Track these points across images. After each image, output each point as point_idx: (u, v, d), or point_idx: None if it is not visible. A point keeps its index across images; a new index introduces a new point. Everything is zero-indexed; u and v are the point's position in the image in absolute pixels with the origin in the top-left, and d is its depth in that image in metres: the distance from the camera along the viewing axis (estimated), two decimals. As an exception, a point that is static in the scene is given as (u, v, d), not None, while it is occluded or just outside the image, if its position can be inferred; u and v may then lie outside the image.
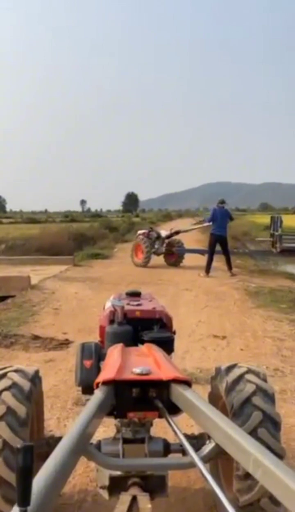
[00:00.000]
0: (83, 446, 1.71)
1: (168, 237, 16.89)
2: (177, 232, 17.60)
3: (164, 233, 17.14)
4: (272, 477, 1.28)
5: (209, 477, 1.46)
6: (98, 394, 2.06)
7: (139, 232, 17.92)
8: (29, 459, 0.75)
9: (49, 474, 1.24)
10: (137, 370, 2.21)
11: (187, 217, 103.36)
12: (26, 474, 0.75)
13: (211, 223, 14.89)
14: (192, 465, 1.71)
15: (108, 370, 2.30)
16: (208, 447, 1.92)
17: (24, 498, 0.75)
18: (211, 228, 14.86)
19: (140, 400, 2.17)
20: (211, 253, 14.63)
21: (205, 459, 1.85)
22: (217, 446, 1.78)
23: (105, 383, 2.14)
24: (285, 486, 1.21)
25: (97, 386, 2.17)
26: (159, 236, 16.68)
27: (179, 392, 2.09)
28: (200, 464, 1.58)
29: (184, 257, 16.79)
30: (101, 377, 2.21)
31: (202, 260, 15.53)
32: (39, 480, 1.18)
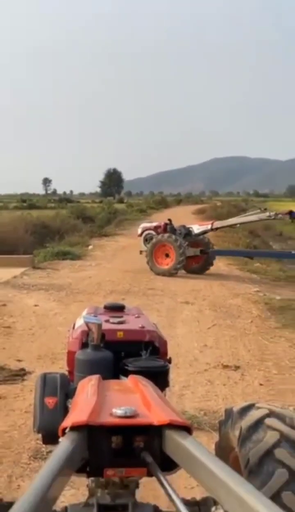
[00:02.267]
0: None
1: (202, 233, 16.55)
2: (216, 228, 17.18)
3: (197, 228, 16.70)
4: None
5: None
6: (65, 443, 2.05)
7: (146, 225, 17.58)
8: None
9: None
10: (118, 411, 2.21)
11: (188, 203, 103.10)
12: None
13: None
14: None
15: (79, 411, 2.29)
16: None
17: None
18: None
19: (122, 452, 2.17)
20: None
21: None
22: None
23: (74, 428, 2.14)
24: None
25: (63, 433, 2.16)
26: (189, 233, 16.27)
27: (175, 441, 2.09)
28: None
29: (213, 263, 16.44)
30: (69, 420, 2.20)
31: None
32: None
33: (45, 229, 29.60)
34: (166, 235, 15.89)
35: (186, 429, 2.18)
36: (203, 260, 16.10)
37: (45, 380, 3.13)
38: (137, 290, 12.78)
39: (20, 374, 6.96)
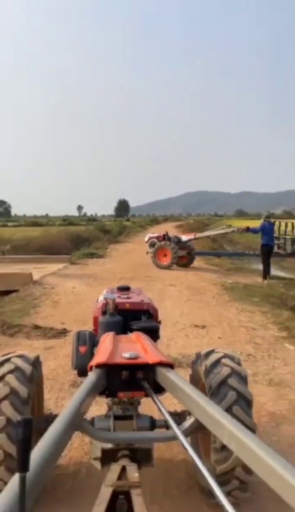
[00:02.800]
0: (78, 422, 1.70)
1: (188, 241, 16.39)
2: (197, 238, 17.37)
3: (184, 238, 16.64)
4: (244, 449, 1.29)
5: (189, 448, 1.46)
6: (92, 376, 2.05)
7: (150, 235, 17.42)
8: (28, 431, 0.75)
9: (46, 446, 1.23)
10: (126, 355, 2.21)
11: (171, 221, 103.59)
12: (25, 444, 0.75)
13: (258, 233, 14.46)
14: (174, 438, 1.71)
15: (101, 355, 2.29)
16: (188, 422, 1.92)
17: (23, 465, 0.75)
18: (263, 240, 14.13)
19: (129, 381, 2.17)
20: (268, 258, 14.08)
21: (186, 433, 1.85)
22: (196, 421, 1.78)
23: (98, 366, 2.14)
24: (256, 457, 1.22)
25: (90, 369, 2.16)
26: (179, 240, 16.21)
27: (163, 374, 2.09)
28: (181, 437, 1.57)
29: (194, 261, 16.42)
30: (94, 361, 2.21)
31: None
32: (37, 451, 1.18)
33: (79, 238, 29.55)
34: (164, 242, 15.93)
35: (170, 366, 2.18)
36: (188, 258, 16.10)
37: (79, 335, 3.13)
38: (139, 277, 12.79)
39: (63, 332, 6.97)
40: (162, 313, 4.03)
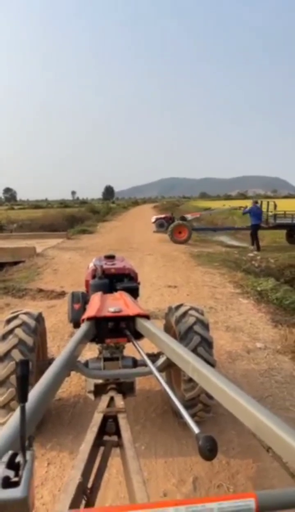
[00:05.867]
0: (73, 363, 1.71)
1: (193, 220, 15.51)
2: (198, 217, 16.49)
3: (190, 217, 15.69)
4: (205, 379, 1.31)
5: (161, 381, 1.48)
6: (84, 326, 2.06)
7: (157, 216, 16.47)
8: (25, 369, 0.75)
9: (45, 382, 1.24)
10: (112, 309, 2.21)
11: (149, 203, 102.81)
12: (23, 380, 0.75)
13: (247, 214, 14.18)
14: (150, 373, 1.74)
15: (91, 310, 2.29)
16: (161, 360, 1.95)
17: (23, 397, 0.75)
18: (252, 220, 13.84)
19: (114, 330, 2.18)
20: (255, 235, 13.95)
21: (159, 369, 1.88)
22: (168, 359, 1.81)
23: (88, 319, 2.14)
24: (213, 383, 1.25)
25: (83, 321, 2.16)
26: (184, 219, 15.37)
27: (141, 324, 2.11)
28: (155, 372, 1.60)
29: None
30: (85, 315, 2.21)
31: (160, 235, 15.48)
32: (38, 386, 1.18)
33: (73, 218, 29.14)
34: (180, 221, 14.84)
35: (147, 317, 2.19)
36: (187, 235, 14.71)
37: (73, 295, 3.12)
38: (123, 249, 12.68)
39: (62, 294, 6.93)
40: (141, 276, 4.03)
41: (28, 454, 0.75)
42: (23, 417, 0.75)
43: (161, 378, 1.51)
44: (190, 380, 2.61)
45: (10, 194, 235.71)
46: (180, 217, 15.87)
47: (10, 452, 0.76)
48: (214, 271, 9.24)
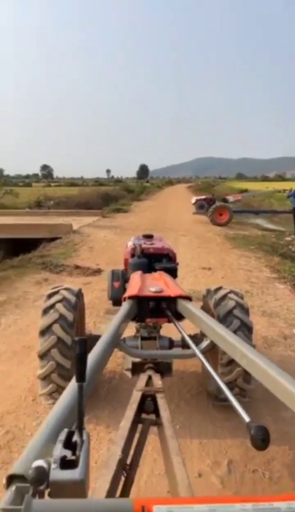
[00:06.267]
0: (116, 341, 1.70)
1: (235, 202, 15.00)
2: (239, 199, 16.01)
3: (231, 198, 15.22)
4: (253, 364, 1.26)
5: (206, 364, 1.45)
6: (125, 305, 2.05)
7: (197, 198, 16.01)
8: (83, 348, 0.73)
9: (94, 359, 1.23)
10: (153, 289, 2.19)
11: (183, 183, 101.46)
12: (82, 359, 0.72)
13: (291, 197, 13.81)
14: (194, 355, 1.71)
15: (132, 289, 2.27)
16: (205, 343, 1.91)
17: (81, 376, 0.73)
18: (292, 204, 13.55)
19: (155, 310, 2.16)
20: None
21: (203, 351, 1.85)
22: (212, 342, 1.77)
23: (130, 297, 2.12)
24: (261, 369, 1.20)
25: (124, 300, 2.15)
26: (226, 201, 14.99)
27: (183, 305, 2.07)
28: (199, 355, 1.57)
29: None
30: (127, 293, 2.19)
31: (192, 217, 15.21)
32: (88, 364, 1.18)
33: (108, 196, 29.26)
34: (221, 203, 14.40)
35: (188, 298, 2.15)
36: (228, 217, 14.26)
37: (113, 273, 3.12)
38: (157, 228, 12.56)
39: (97, 271, 7.03)
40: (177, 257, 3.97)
41: (84, 434, 0.74)
42: (81, 396, 0.73)
43: (205, 361, 1.48)
44: (228, 363, 2.57)
45: (47, 171, 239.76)
46: (221, 198, 15.39)
47: (66, 430, 0.74)
48: (249, 255, 9.03)
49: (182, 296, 2.13)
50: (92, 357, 1.27)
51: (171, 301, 2.15)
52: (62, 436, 0.72)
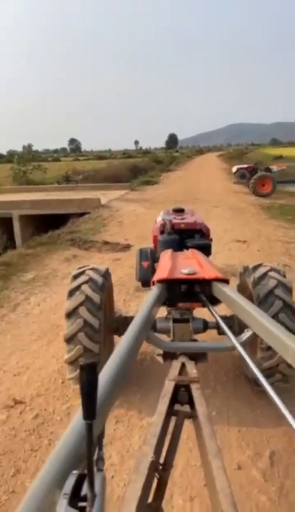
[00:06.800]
0: (146, 331, 1.54)
1: (279, 171, 14.26)
2: (284, 169, 15.12)
3: (275, 168, 14.48)
4: None
5: (248, 360, 1.27)
6: (155, 289, 1.86)
7: (239, 166, 15.31)
8: (93, 376, 0.53)
9: (123, 349, 1.13)
10: (185, 271, 1.98)
11: (214, 151, 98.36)
12: (91, 391, 0.53)
13: None
14: (233, 348, 1.51)
15: (162, 271, 2.08)
16: (246, 335, 1.70)
17: (89, 412, 0.54)
18: None
19: (187, 293, 1.97)
20: None
21: (243, 345, 1.65)
22: (254, 334, 1.57)
23: (160, 281, 1.93)
24: None
25: (153, 283, 1.96)
26: (269, 170, 14.30)
27: (219, 289, 1.86)
28: (240, 349, 1.38)
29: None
30: (156, 276, 2.00)
31: (228, 187, 14.63)
32: (116, 353, 1.09)
33: (136, 168, 28.79)
34: (264, 173, 13.70)
35: (225, 281, 1.93)
36: (271, 187, 13.47)
37: (141, 252, 2.94)
38: (188, 200, 12.22)
39: (127, 246, 6.88)
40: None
41: (97, 480, 0.56)
42: (90, 436, 0.55)
43: (247, 357, 1.29)
44: (269, 348, 2.37)
45: (75, 145, 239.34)
46: (264, 168, 14.65)
47: (73, 478, 0.57)
48: (287, 225, 8.58)
49: (218, 279, 1.91)
50: (121, 347, 1.16)
51: (206, 284, 1.94)
52: (68, 487, 0.56)
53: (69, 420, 1.88)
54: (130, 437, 2.30)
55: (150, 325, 1.64)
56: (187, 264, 2.18)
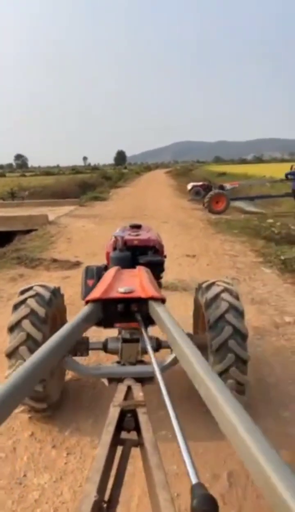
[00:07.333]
0: (60, 354, 1.40)
1: (231, 189, 14.55)
2: (236, 187, 15.49)
3: (228, 186, 14.68)
4: (212, 399, 0.99)
5: (163, 388, 1.14)
6: (85, 309, 1.76)
7: (194, 184, 15.48)
8: None
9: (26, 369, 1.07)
10: (122, 289, 1.91)
11: (162, 168, 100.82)
12: None
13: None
14: (151, 374, 1.44)
15: (97, 290, 1.99)
16: (169, 359, 1.63)
17: None
18: (293, 186, 13.51)
19: (124, 313, 1.89)
20: None
21: (163, 370, 1.57)
22: (176, 359, 1.51)
23: (92, 301, 1.84)
24: (219, 408, 0.93)
25: (86, 303, 1.86)
26: (223, 188, 14.45)
27: (153, 308, 1.80)
28: (158, 374, 1.28)
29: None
30: (89, 296, 1.91)
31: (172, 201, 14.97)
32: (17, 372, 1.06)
33: (85, 184, 28.63)
34: (218, 191, 13.89)
35: (162, 300, 1.88)
36: (225, 205, 13.69)
37: (87, 270, 2.85)
38: (137, 216, 12.31)
39: (77, 264, 6.72)
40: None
41: None
42: None
43: (163, 385, 1.19)
44: (218, 349, 2.32)
45: (21, 160, 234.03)
46: (218, 186, 15.00)
47: None
48: (233, 239, 8.88)
49: (154, 298, 1.85)
50: (25, 367, 1.08)
51: (143, 302, 1.87)
52: None
53: None
54: (83, 470, 2.16)
55: (68, 348, 1.52)
56: (128, 282, 2.11)
